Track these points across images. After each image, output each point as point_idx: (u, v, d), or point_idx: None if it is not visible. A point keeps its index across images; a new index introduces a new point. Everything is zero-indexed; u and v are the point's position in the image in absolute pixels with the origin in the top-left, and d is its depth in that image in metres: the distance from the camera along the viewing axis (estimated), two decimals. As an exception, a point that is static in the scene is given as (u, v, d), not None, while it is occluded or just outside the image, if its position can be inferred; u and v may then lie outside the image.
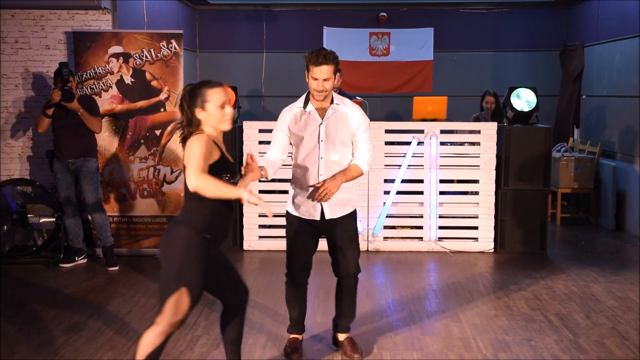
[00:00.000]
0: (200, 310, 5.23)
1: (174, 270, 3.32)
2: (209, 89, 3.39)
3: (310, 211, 4.20)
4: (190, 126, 3.42)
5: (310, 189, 4.12)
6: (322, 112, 4.18)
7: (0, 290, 5.81)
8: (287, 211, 4.33)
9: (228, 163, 3.46)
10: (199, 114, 3.40)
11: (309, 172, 4.15)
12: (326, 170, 4.15)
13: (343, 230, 4.24)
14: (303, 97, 4.26)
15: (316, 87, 4.07)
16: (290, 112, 4.26)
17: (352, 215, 4.31)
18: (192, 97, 3.40)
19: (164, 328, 3.35)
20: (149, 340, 3.36)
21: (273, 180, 7.12)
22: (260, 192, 7.15)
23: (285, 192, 7.24)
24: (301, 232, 4.24)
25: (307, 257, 4.31)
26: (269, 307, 5.33)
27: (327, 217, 4.20)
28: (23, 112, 7.26)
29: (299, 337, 4.49)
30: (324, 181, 4.08)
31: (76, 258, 6.62)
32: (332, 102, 4.19)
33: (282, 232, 7.10)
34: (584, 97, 9.68)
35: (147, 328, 3.39)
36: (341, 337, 4.46)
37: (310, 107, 4.19)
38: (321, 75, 4.04)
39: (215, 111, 3.39)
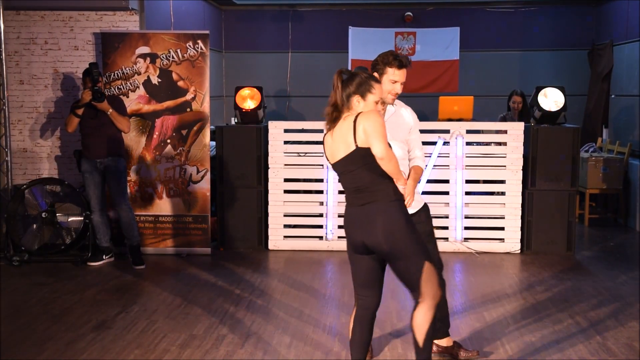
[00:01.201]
0: (226, 309, 5.26)
1: (410, 252, 3.46)
2: (375, 84, 3.54)
3: None
4: (339, 110, 3.52)
5: None
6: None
7: (29, 288, 5.90)
8: None
9: None
10: (357, 101, 3.49)
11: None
12: None
13: (425, 224, 4.24)
14: None
15: (392, 90, 4.02)
16: None
17: (426, 208, 4.30)
18: (360, 84, 3.49)
19: (431, 302, 3.49)
20: (423, 318, 3.50)
21: (306, 180, 7.15)
22: (286, 192, 7.18)
23: (310, 191, 7.31)
24: None
25: None
26: (294, 307, 5.34)
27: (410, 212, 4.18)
28: (52, 112, 7.36)
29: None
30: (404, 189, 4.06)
31: (103, 257, 6.70)
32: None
33: (307, 232, 7.19)
34: (612, 96, 9.56)
35: (414, 309, 3.52)
36: (449, 342, 4.36)
37: None
38: (401, 78, 4.02)
39: (372, 105, 3.51)
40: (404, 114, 4.21)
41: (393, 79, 4.00)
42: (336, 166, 3.58)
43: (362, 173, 3.47)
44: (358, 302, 3.72)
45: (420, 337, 3.51)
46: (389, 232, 3.44)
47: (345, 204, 3.66)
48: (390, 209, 3.47)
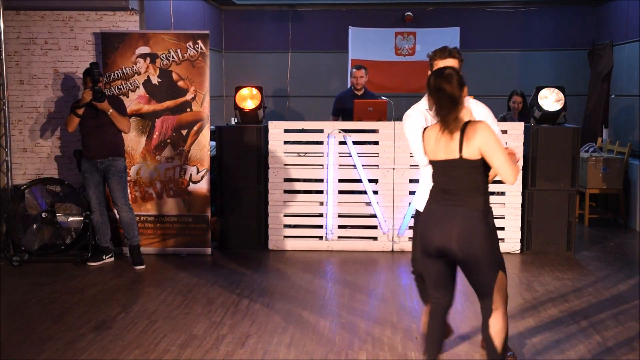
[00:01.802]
0: (226, 309, 5.26)
1: (484, 262, 3.45)
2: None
3: None
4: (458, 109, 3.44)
5: None
6: None
7: (29, 288, 5.90)
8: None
9: None
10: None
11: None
12: None
13: None
14: (424, 99, 4.11)
15: None
16: (420, 114, 4.08)
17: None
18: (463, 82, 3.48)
19: (504, 309, 3.58)
20: (500, 325, 3.55)
21: (306, 180, 7.15)
22: (286, 192, 7.17)
23: (310, 191, 7.30)
24: None
25: None
26: (294, 307, 5.34)
27: None
28: (52, 112, 7.36)
29: None
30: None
31: (103, 257, 6.70)
32: None
33: (307, 232, 7.18)
34: (612, 96, 9.56)
35: (488, 317, 3.56)
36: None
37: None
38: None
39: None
40: (474, 109, 4.00)
41: None
42: (433, 163, 3.53)
43: (459, 180, 3.42)
44: (431, 300, 3.72)
45: (499, 344, 3.55)
46: (465, 240, 3.38)
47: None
48: (474, 217, 3.40)
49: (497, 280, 3.48)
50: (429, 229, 3.50)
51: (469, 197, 3.42)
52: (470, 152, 3.36)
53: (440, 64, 3.98)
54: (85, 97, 6.32)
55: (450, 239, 3.40)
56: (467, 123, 3.40)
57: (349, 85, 9.77)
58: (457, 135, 3.38)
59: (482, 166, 3.42)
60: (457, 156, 3.38)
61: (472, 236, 3.38)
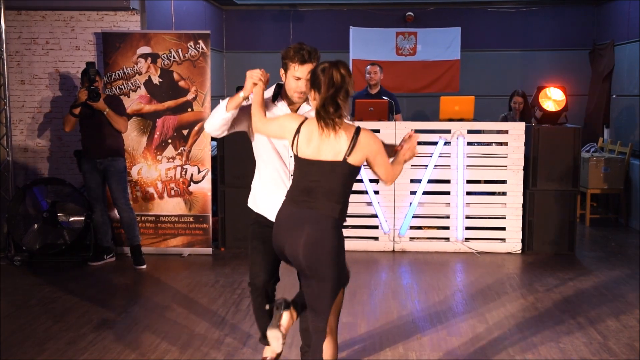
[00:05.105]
0: (227, 309, 5.26)
1: (328, 277, 3.22)
2: None
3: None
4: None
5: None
6: (292, 109, 3.72)
7: (30, 287, 5.90)
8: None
9: None
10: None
11: (280, 170, 3.68)
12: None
13: None
14: (272, 89, 3.86)
15: (297, 88, 3.61)
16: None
17: None
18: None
19: (336, 329, 3.47)
20: (333, 349, 3.44)
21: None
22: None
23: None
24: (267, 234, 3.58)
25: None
26: (294, 307, 5.34)
27: None
28: (53, 112, 7.36)
29: None
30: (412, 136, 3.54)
31: (105, 256, 6.70)
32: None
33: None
34: (614, 96, 9.55)
35: (322, 340, 3.41)
36: None
37: (281, 101, 3.76)
38: (305, 74, 3.55)
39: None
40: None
41: (296, 75, 3.58)
42: (311, 163, 3.22)
43: (329, 183, 3.20)
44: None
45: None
46: (311, 245, 3.15)
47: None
48: (326, 224, 3.18)
49: (337, 300, 3.31)
50: (280, 233, 3.27)
51: (330, 203, 3.19)
52: (356, 159, 3.17)
53: (298, 68, 3.54)
54: (81, 97, 6.31)
55: (299, 246, 3.17)
56: (359, 129, 3.20)
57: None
58: (344, 138, 3.17)
59: (356, 173, 3.26)
60: (341, 159, 3.17)
61: (320, 247, 3.15)
